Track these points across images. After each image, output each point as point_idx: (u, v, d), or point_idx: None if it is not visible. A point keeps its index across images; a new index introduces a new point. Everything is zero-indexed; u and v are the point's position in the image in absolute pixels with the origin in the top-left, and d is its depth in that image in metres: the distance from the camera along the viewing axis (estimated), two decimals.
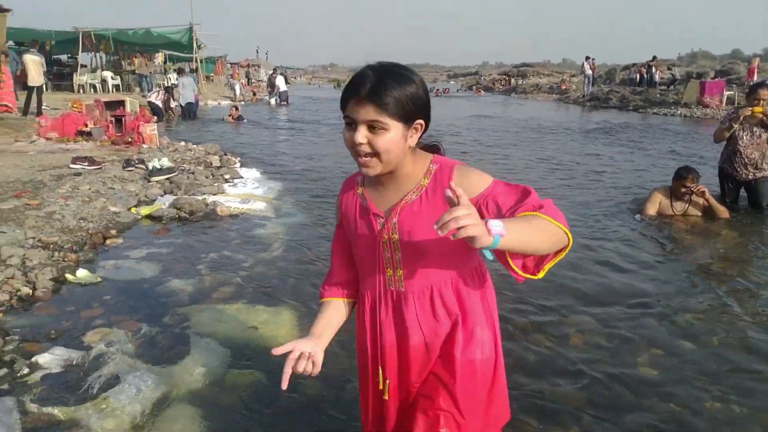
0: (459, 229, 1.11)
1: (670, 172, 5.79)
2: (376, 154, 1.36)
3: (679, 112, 20.75)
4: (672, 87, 26.27)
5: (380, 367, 1.56)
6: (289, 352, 1.41)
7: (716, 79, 23.79)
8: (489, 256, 1.24)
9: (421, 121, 1.40)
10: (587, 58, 28.42)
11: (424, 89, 1.40)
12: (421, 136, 1.45)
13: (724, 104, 20.25)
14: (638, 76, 29.41)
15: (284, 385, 1.39)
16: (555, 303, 3.76)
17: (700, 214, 5.59)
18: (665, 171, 8.33)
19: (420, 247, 1.43)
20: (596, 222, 5.74)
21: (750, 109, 5.68)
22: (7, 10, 11.66)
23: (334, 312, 1.63)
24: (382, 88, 1.31)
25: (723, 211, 5.55)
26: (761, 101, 5.60)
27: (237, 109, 17.40)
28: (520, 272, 1.36)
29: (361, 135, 1.35)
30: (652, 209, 5.71)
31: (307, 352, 1.43)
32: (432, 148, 1.56)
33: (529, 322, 3.47)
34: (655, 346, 3.18)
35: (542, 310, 3.65)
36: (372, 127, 1.34)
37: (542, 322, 3.48)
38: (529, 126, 16.25)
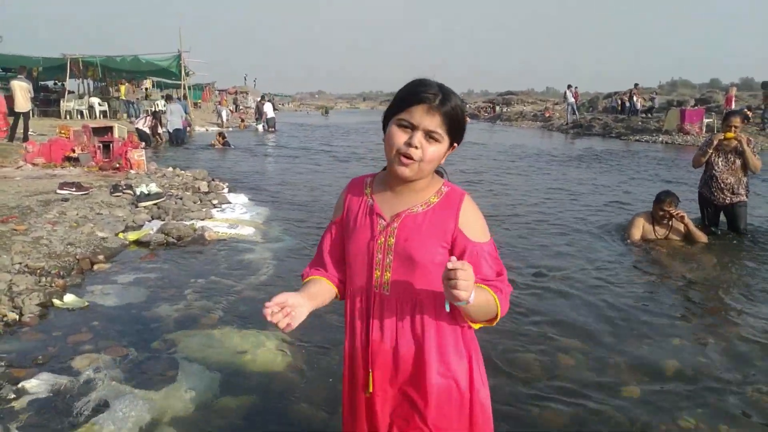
0: (457, 281, 1.26)
1: (653, 197, 5.91)
2: (420, 160, 1.44)
3: (660, 138, 21.15)
4: (651, 114, 26.80)
5: (363, 362, 1.59)
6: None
7: (696, 107, 24.33)
8: (447, 308, 1.41)
9: (456, 144, 1.51)
10: (569, 86, 29.00)
11: (465, 116, 1.51)
12: None
13: (704, 131, 20.68)
14: (620, 103, 29.99)
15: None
16: (542, 325, 3.80)
17: (680, 238, 5.70)
18: (648, 196, 8.49)
19: (411, 257, 1.49)
20: (582, 246, 5.83)
21: (723, 134, 5.89)
22: None
23: (321, 288, 1.62)
24: (451, 104, 1.43)
25: (701, 236, 5.67)
26: (734, 128, 5.81)
27: (222, 136, 17.47)
28: (448, 309, 1.45)
29: (418, 139, 1.42)
30: (636, 234, 5.82)
31: (290, 306, 1.40)
32: (436, 171, 1.62)
33: (517, 344, 3.51)
34: (639, 369, 3.22)
35: (530, 333, 3.69)
36: (430, 135, 1.43)
37: (530, 344, 3.52)
38: (515, 153, 16.47)
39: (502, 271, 1.51)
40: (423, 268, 1.49)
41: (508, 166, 13.22)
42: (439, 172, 1.62)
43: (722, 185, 5.96)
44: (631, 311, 4.09)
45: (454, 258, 1.29)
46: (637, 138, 22.16)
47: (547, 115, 35.64)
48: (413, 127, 1.43)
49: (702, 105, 26.07)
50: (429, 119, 1.42)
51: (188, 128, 22.60)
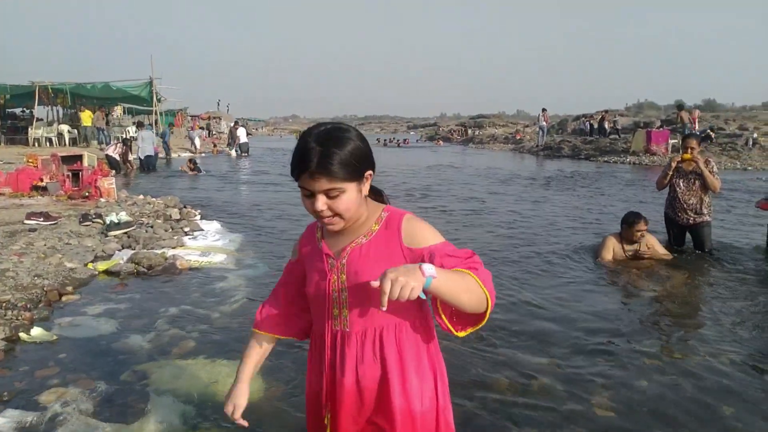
0: (387, 292, 1.25)
1: (621, 217, 6.04)
2: (338, 214, 1.46)
3: (628, 159, 21.66)
4: (618, 136, 27.47)
5: (325, 404, 1.62)
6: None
7: (662, 129, 25.01)
8: (422, 296, 1.32)
9: (370, 171, 1.50)
10: (544, 110, 29.55)
11: (363, 140, 1.49)
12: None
13: (669, 152, 21.24)
14: (589, 126, 30.72)
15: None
16: (513, 347, 3.84)
17: (648, 256, 5.83)
18: (616, 216, 8.68)
19: (365, 288, 1.47)
20: (553, 267, 5.91)
21: (680, 156, 6.12)
22: None
23: (262, 348, 1.79)
24: (329, 158, 1.38)
25: (665, 254, 5.84)
26: (690, 149, 6.02)
27: (192, 162, 17.37)
28: (447, 323, 1.45)
29: (321, 203, 1.44)
30: (608, 255, 5.93)
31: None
32: (375, 192, 1.64)
33: (488, 365, 3.53)
34: (611, 388, 3.27)
35: (500, 355, 3.72)
36: (328, 195, 1.43)
37: (501, 365, 3.55)
38: (487, 175, 16.70)
39: (470, 253, 1.49)
40: (377, 296, 1.50)
41: (478, 188, 13.38)
42: (378, 191, 1.66)
43: (685, 206, 6.14)
44: (602, 331, 4.16)
45: (374, 282, 1.30)
46: (606, 159, 22.66)
47: (518, 137, 36.28)
48: (311, 193, 1.44)
49: (667, 126, 26.79)
50: (318, 183, 1.41)
51: (167, 155, 22.52)
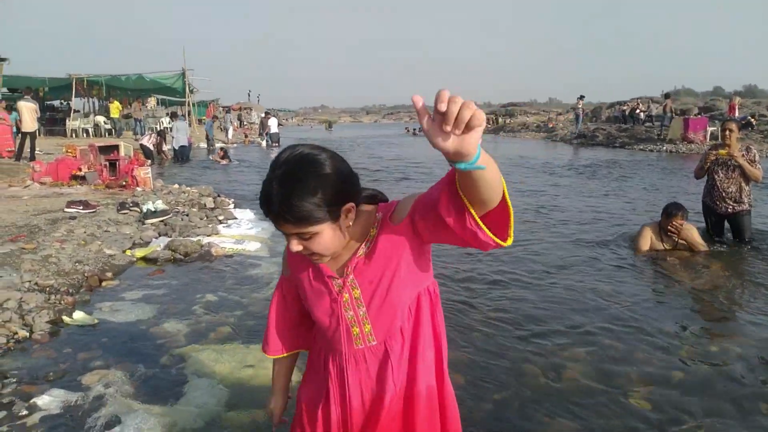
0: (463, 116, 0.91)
1: (658, 206, 5.92)
2: (315, 253, 1.35)
3: (664, 148, 21.16)
4: (651, 123, 26.88)
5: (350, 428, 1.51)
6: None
7: (699, 116, 24.36)
8: (469, 166, 1.02)
9: (349, 204, 1.34)
10: (581, 97, 29.00)
11: (339, 172, 1.31)
12: (358, 203, 1.40)
13: (708, 140, 20.69)
14: (622, 113, 30.13)
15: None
16: (549, 335, 3.81)
17: (687, 248, 5.69)
18: (653, 205, 8.52)
19: (382, 293, 1.40)
20: (590, 257, 5.83)
21: (714, 153, 5.96)
22: (3, 60, 11.84)
23: (287, 367, 1.81)
24: (291, 205, 1.24)
25: (703, 246, 5.69)
26: (728, 132, 5.85)
27: (223, 150, 17.97)
28: (490, 233, 1.15)
29: (295, 245, 1.33)
30: (644, 245, 5.81)
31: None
32: (369, 199, 1.50)
33: (522, 356, 3.51)
34: (648, 379, 3.22)
35: (535, 344, 3.70)
36: (301, 236, 1.31)
37: (536, 354, 3.52)
38: (519, 164, 16.51)
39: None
40: (396, 290, 1.41)
41: (511, 177, 13.25)
42: (373, 197, 1.51)
43: (724, 194, 5.97)
44: (638, 322, 4.09)
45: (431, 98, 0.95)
46: (641, 147, 22.19)
47: (551, 125, 35.74)
48: (285, 233, 1.34)
49: (705, 113, 26.10)
50: (285, 227, 1.30)
51: (210, 145, 22.88)
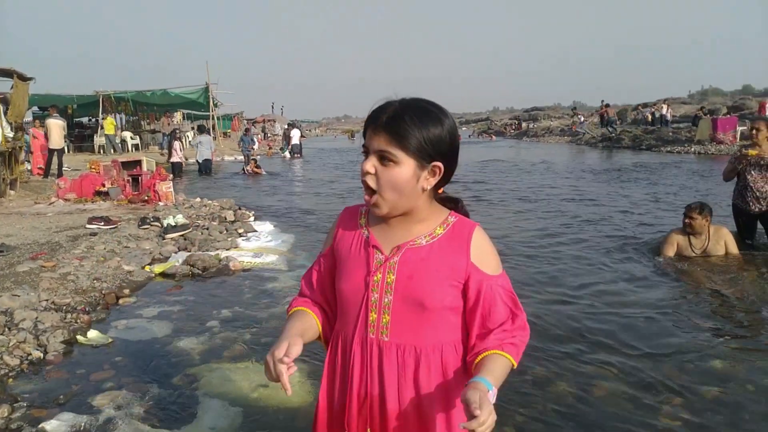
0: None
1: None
2: (380, 192, 1.30)
3: (693, 149, 20.70)
4: (659, 125, 26.45)
5: (358, 421, 1.39)
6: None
7: (728, 116, 23.78)
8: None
9: (440, 164, 1.31)
10: (606, 105, 28.78)
11: (451, 132, 1.32)
12: (442, 183, 1.37)
13: (738, 140, 20.16)
14: (650, 115, 29.59)
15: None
16: (574, 349, 3.65)
17: (721, 253, 5.45)
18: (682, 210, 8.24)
19: (416, 297, 1.32)
20: (616, 264, 5.65)
21: (745, 152, 5.73)
22: (29, 79, 12.08)
23: (308, 323, 1.46)
24: (399, 119, 1.26)
25: (736, 252, 5.45)
26: (755, 131, 5.63)
27: (255, 161, 18.02)
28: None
29: (370, 164, 1.29)
30: (670, 251, 5.60)
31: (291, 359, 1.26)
32: (451, 201, 1.46)
33: (548, 371, 3.36)
34: (677, 395, 3.05)
35: (562, 357, 3.54)
36: (383, 158, 1.28)
37: (562, 370, 3.37)
38: (545, 169, 16.26)
39: (518, 309, 1.36)
40: (429, 310, 1.33)
41: (536, 181, 13.03)
42: (454, 200, 1.47)
43: (758, 194, 5.72)
44: (669, 331, 3.91)
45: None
46: (669, 149, 21.74)
47: (575, 129, 35.31)
48: (368, 152, 1.31)
49: (735, 113, 25.48)
50: (376, 139, 1.28)
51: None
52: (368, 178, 1.30)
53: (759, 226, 5.94)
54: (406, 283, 1.33)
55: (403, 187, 1.29)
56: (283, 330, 1.39)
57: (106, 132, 23.08)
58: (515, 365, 1.32)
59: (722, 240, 5.45)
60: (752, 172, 5.75)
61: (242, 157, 24.94)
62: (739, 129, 20.99)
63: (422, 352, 1.35)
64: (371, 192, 1.31)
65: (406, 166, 1.28)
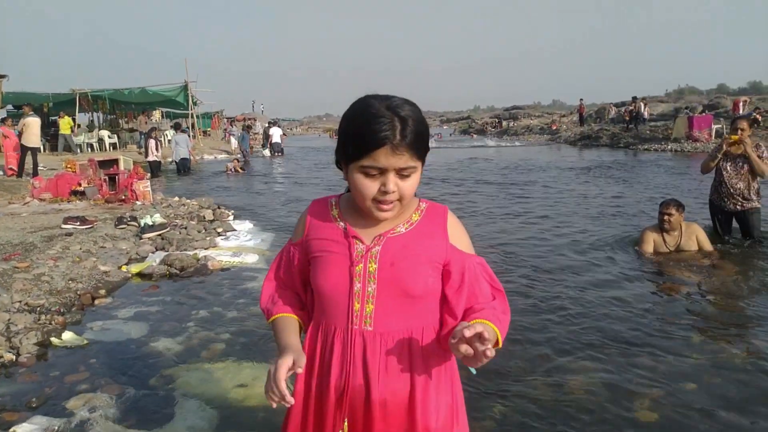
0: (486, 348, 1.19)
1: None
2: (400, 199, 1.32)
3: (669, 147, 20.99)
4: (632, 125, 26.76)
5: (336, 410, 1.39)
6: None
7: (704, 114, 24.16)
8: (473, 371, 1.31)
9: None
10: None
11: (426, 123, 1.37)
12: None
13: (713, 138, 20.51)
14: (629, 113, 29.96)
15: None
16: (550, 345, 3.68)
17: (693, 248, 5.54)
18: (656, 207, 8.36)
19: (400, 283, 1.34)
20: (593, 261, 5.70)
21: (729, 137, 5.81)
22: (2, 77, 11.86)
23: (295, 329, 1.46)
24: (412, 133, 1.25)
25: (710, 247, 5.54)
26: (740, 131, 5.71)
27: (238, 161, 18.01)
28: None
29: (394, 183, 1.28)
30: (647, 248, 5.67)
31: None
32: None
33: (525, 366, 3.39)
34: (655, 388, 3.09)
35: (538, 352, 3.57)
36: (401, 173, 1.28)
37: (539, 364, 3.40)
38: (525, 167, 16.38)
39: (498, 285, 1.41)
40: (412, 296, 1.35)
41: (514, 179, 13.12)
42: None
43: (732, 191, 5.83)
44: (645, 328, 3.96)
45: (468, 326, 1.19)
46: (646, 147, 22.02)
47: (554, 127, 35.63)
48: (382, 171, 1.27)
49: (710, 111, 25.89)
50: (396, 159, 1.25)
51: (245, 157, 22.41)
52: (392, 196, 1.30)
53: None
54: (388, 270, 1.35)
55: (414, 188, 1.35)
56: (281, 343, 1.41)
57: (61, 131, 21.92)
58: (500, 345, 1.32)
59: (694, 236, 5.54)
60: (728, 168, 5.85)
61: (223, 155, 24.80)
62: (714, 127, 21.34)
63: (405, 338, 1.36)
64: (390, 203, 1.31)
65: (419, 170, 1.33)
